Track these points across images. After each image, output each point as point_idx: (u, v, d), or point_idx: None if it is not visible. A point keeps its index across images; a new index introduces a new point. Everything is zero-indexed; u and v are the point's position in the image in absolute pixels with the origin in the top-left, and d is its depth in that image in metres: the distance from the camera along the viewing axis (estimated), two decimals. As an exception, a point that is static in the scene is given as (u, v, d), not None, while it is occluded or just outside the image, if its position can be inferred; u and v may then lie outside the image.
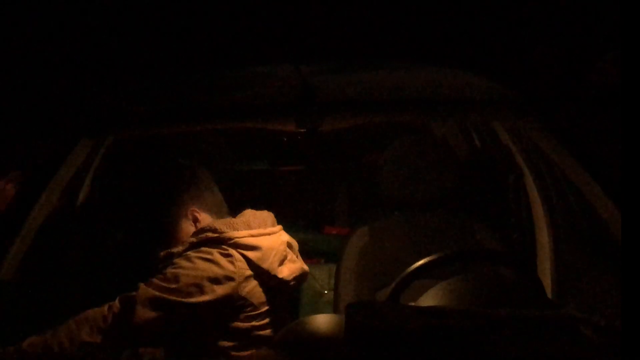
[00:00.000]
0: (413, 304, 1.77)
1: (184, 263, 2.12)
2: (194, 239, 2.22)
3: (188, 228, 2.32)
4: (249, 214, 2.33)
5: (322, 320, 1.63)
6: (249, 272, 2.16)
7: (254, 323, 2.18)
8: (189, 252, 2.16)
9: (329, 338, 1.54)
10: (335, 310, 2.66)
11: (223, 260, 2.13)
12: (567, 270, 2.47)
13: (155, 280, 2.07)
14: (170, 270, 2.09)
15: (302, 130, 2.38)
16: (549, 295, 2.41)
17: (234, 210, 2.40)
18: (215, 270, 2.10)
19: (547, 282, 2.49)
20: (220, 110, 2.18)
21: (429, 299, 1.76)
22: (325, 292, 3.02)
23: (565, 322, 1.56)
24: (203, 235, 2.21)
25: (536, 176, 2.57)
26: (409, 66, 2.72)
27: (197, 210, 2.33)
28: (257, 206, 2.36)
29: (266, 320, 2.21)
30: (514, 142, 2.63)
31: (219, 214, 2.37)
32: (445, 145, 2.85)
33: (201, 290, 2.06)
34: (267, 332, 2.21)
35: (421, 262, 1.86)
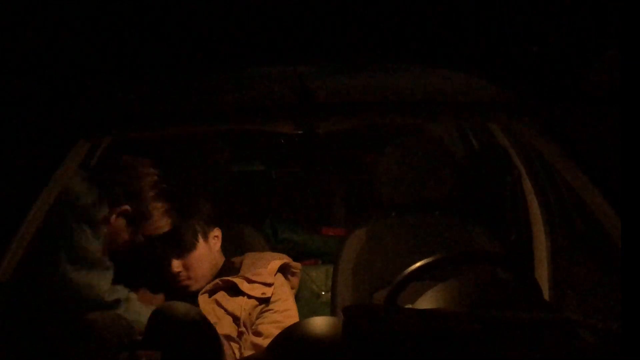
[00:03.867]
0: (410, 306, 1.77)
1: (291, 306, 2.63)
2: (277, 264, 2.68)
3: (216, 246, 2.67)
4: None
5: (320, 323, 1.63)
6: None
7: None
8: (285, 289, 2.64)
9: (327, 341, 1.53)
10: (332, 311, 2.66)
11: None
12: (564, 272, 2.47)
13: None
14: (281, 319, 2.51)
15: (299, 131, 2.38)
16: (547, 298, 2.41)
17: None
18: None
19: (544, 284, 2.49)
20: (218, 111, 2.18)
21: (426, 301, 1.76)
22: (323, 293, 3.01)
23: (562, 324, 1.56)
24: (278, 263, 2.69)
25: (533, 178, 2.57)
26: (406, 68, 2.72)
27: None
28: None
29: None
30: (511, 143, 2.62)
31: None
32: (442, 147, 2.85)
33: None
34: None
35: (419, 264, 1.86)
